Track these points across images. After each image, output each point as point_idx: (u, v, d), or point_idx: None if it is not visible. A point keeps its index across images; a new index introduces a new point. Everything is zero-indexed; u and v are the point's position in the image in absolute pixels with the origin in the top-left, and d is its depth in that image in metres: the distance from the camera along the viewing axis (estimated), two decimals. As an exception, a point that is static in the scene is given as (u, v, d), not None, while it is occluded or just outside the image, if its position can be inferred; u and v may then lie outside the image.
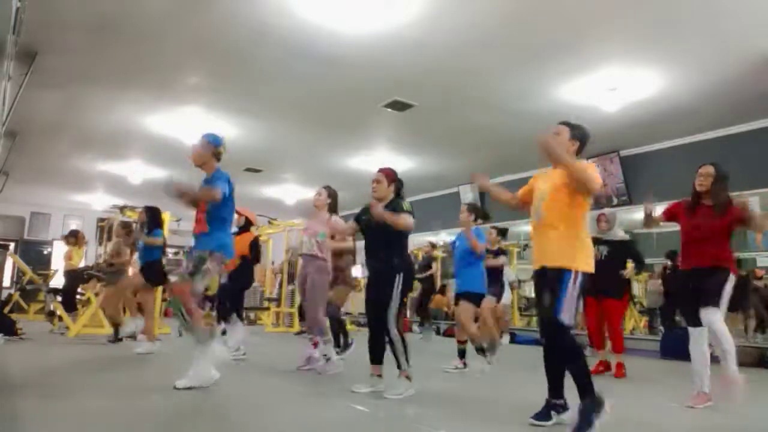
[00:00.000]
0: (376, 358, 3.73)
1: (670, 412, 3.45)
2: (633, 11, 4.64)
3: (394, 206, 3.63)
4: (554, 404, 2.78)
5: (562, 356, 2.70)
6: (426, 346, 7.47)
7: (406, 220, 3.57)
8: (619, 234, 5.20)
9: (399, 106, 6.96)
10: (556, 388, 2.79)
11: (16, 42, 4.97)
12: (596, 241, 5.06)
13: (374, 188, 3.76)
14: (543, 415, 2.76)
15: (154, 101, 7.11)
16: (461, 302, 4.91)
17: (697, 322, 3.46)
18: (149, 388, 3.56)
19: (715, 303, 3.37)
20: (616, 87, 6.09)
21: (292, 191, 12.27)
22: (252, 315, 12.23)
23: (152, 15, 4.94)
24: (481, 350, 4.94)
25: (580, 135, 2.92)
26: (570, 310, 2.63)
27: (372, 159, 9.44)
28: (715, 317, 3.35)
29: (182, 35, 5.32)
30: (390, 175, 3.80)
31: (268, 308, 11.10)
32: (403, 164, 9.57)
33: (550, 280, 2.70)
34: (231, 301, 5.38)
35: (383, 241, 3.64)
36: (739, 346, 6.96)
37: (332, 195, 4.71)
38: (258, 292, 11.81)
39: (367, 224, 3.75)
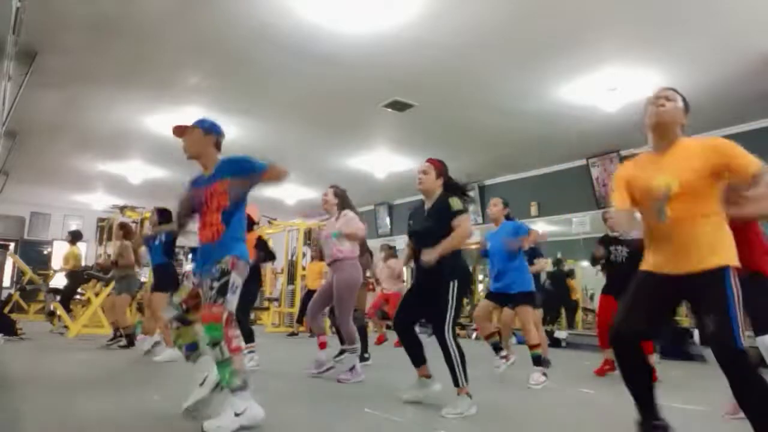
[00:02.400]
0: (417, 360, 3.43)
1: (670, 414, 3.44)
2: (633, 11, 4.64)
3: (441, 207, 3.25)
4: (652, 419, 2.26)
5: (757, 393, 1.96)
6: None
7: (462, 231, 3.11)
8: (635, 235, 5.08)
9: (399, 106, 6.95)
10: (649, 407, 2.26)
11: (16, 42, 4.97)
12: (613, 242, 4.88)
13: (420, 180, 3.34)
14: None
15: (154, 101, 7.11)
16: (524, 308, 4.41)
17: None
18: (150, 389, 3.56)
19: None
20: (616, 87, 6.09)
21: (292, 191, 12.27)
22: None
23: (152, 15, 4.94)
24: (539, 361, 4.37)
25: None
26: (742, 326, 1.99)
27: (372, 159, 9.44)
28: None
29: (182, 35, 5.32)
30: (439, 167, 3.38)
31: (268, 308, 11.11)
32: (403, 164, 9.56)
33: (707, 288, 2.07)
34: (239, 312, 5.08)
35: (433, 247, 3.17)
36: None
37: (339, 194, 4.54)
38: (258, 292, 11.80)
39: (413, 230, 3.41)
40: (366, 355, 5.28)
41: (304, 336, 8.75)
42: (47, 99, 7.05)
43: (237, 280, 2.65)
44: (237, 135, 8.31)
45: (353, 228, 4.29)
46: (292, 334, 9.01)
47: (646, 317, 2.22)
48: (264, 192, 12.33)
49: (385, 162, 9.47)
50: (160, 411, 2.98)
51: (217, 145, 2.98)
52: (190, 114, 7.45)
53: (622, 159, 8.29)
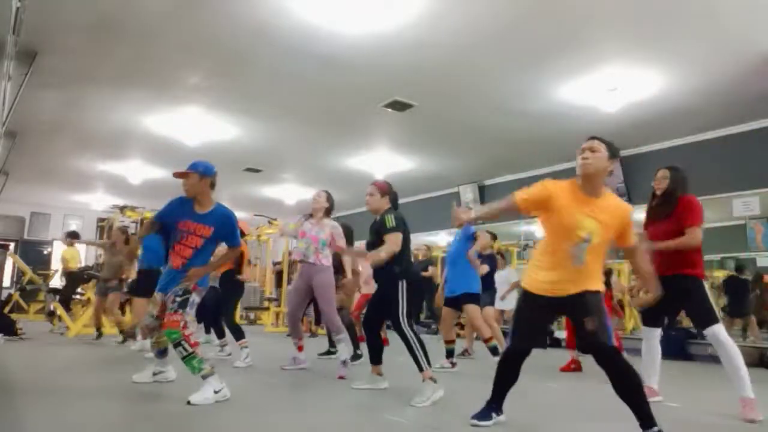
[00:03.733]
0: (374, 359, 3.86)
1: (670, 413, 3.45)
2: (633, 11, 4.64)
3: (379, 224, 3.68)
4: (494, 406, 2.81)
5: (630, 378, 2.43)
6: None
7: (389, 246, 3.56)
8: None
9: (399, 106, 6.95)
10: (501, 396, 2.82)
11: (16, 42, 4.97)
12: None
13: (368, 201, 3.80)
14: (484, 415, 2.79)
15: (154, 101, 7.11)
16: (469, 306, 4.85)
17: (656, 324, 3.65)
18: (149, 389, 3.56)
19: (715, 320, 3.32)
20: (616, 87, 6.09)
21: (292, 191, 12.28)
22: (252, 315, 12.26)
23: (152, 15, 4.94)
24: (495, 351, 4.87)
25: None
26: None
27: (372, 159, 9.44)
28: (721, 333, 3.28)
29: (182, 35, 5.32)
30: (383, 187, 3.82)
31: (268, 308, 11.11)
32: (403, 164, 9.56)
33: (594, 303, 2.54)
34: (220, 311, 5.40)
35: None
36: (738, 345, 6.99)
37: (330, 200, 4.81)
38: (258, 292, 11.81)
39: (369, 242, 3.80)
40: (359, 352, 5.49)
41: (303, 335, 8.75)
42: (47, 99, 7.05)
43: (195, 299, 3.33)
44: (237, 135, 8.31)
45: (349, 256, 4.80)
46: (292, 334, 9.00)
47: (537, 336, 2.79)
48: (264, 192, 12.35)
49: (385, 162, 9.47)
50: (159, 410, 2.98)
51: (212, 185, 3.46)
52: (190, 114, 7.46)
53: (622, 159, 8.30)
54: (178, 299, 3.24)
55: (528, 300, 2.70)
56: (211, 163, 3.51)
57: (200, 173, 3.38)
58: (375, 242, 3.67)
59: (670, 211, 3.48)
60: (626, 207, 2.64)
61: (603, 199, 2.57)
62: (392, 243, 3.57)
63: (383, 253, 3.54)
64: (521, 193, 2.65)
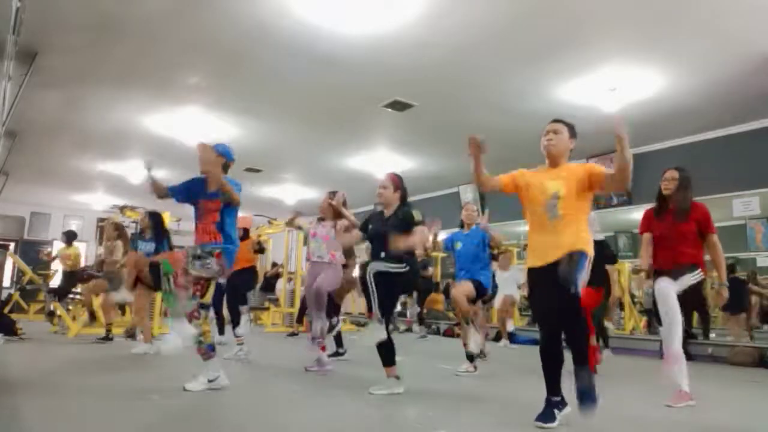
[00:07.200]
0: (388, 357, 3.65)
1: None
2: (633, 11, 4.64)
3: (405, 216, 3.64)
4: (554, 402, 2.75)
5: (580, 329, 2.71)
6: (424, 346, 7.47)
7: (422, 235, 3.58)
8: (597, 237, 5.23)
9: (399, 106, 6.96)
10: (554, 385, 2.78)
11: (16, 42, 4.97)
12: None
13: (380, 194, 3.78)
14: (547, 415, 2.70)
15: (154, 101, 7.11)
16: (462, 282, 4.71)
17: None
18: (149, 389, 3.55)
19: (674, 277, 3.41)
20: (616, 87, 6.09)
21: (292, 191, 12.27)
22: (252, 315, 12.24)
23: (152, 15, 4.94)
24: (471, 322, 4.68)
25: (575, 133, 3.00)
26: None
27: (372, 159, 9.44)
28: (669, 286, 3.36)
29: (182, 35, 5.32)
30: (396, 181, 3.82)
31: (267, 308, 11.10)
32: (403, 164, 9.56)
33: (571, 259, 2.66)
34: (237, 300, 5.67)
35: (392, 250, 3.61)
36: (739, 345, 7.01)
37: (344, 203, 4.79)
38: (258, 292, 11.79)
39: (374, 233, 3.76)
40: (341, 350, 5.45)
41: (304, 336, 8.75)
42: (47, 99, 7.05)
43: (213, 265, 3.42)
44: (237, 135, 8.31)
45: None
46: (292, 334, 9.00)
47: (554, 315, 2.77)
48: (264, 192, 12.34)
49: (385, 162, 9.47)
50: (159, 411, 2.98)
51: (225, 168, 3.59)
52: (190, 114, 7.46)
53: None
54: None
55: (532, 279, 2.88)
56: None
57: (218, 151, 3.57)
58: (394, 233, 3.56)
59: (686, 214, 3.57)
60: (584, 164, 2.99)
61: (564, 167, 2.91)
62: (424, 234, 3.61)
63: (417, 239, 3.54)
64: (503, 176, 3.02)
